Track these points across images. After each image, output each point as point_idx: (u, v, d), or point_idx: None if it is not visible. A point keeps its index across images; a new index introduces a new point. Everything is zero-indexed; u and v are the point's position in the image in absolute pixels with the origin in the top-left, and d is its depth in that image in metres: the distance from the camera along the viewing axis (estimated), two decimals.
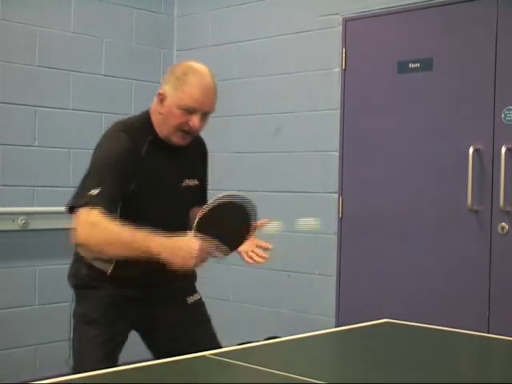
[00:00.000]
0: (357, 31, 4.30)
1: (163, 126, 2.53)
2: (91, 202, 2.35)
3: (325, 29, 4.43)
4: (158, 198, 2.54)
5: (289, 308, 4.57)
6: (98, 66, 4.83)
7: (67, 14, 4.67)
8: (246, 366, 2.02)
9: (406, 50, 4.10)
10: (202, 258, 2.33)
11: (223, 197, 2.41)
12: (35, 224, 4.46)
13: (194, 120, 2.49)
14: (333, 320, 4.33)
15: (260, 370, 1.99)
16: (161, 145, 2.55)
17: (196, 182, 2.68)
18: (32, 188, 4.50)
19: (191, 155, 2.68)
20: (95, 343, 2.54)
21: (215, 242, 2.35)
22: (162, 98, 2.52)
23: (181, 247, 2.31)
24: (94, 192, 2.37)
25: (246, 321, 4.76)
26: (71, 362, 2.62)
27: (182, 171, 2.63)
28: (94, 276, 2.58)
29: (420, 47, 4.05)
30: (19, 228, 4.40)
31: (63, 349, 4.47)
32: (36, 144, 4.53)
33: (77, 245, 2.61)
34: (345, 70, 4.33)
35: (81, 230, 2.37)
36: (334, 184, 4.37)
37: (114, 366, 2.42)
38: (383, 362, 2.15)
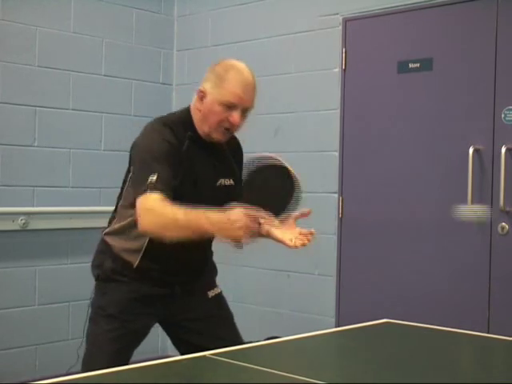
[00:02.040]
0: (357, 31, 4.30)
1: (204, 123, 2.54)
2: (150, 188, 2.34)
3: (325, 29, 4.43)
4: (194, 195, 2.52)
5: (289, 308, 4.57)
6: (98, 66, 4.83)
7: (67, 14, 4.67)
8: (246, 366, 2.02)
9: (406, 50, 4.10)
10: (249, 226, 2.27)
11: (262, 158, 2.40)
12: (35, 224, 4.46)
13: (235, 116, 2.50)
14: (333, 320, 4.33)
15: (260, 370, 1.99)
16: (199, 142, 2.56)
17: (231, 182, 2.67)
18: (32, 188, 4.50)
19: (227, 155, 2.69)
20: (109, 338, 2.56)
21: (260, 209, 2.29)
22: (202, 96, 2.53)
23: (226, 220, 2.27)
24: (152, 179, 2.35)
25: (246, 321, 4.75)
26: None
27: (217, 170, 2.63)
28: (118, 269, 2.60)
29: (420, 47, 4.05)
30: (19, 228, 4.39)
31: (63, 349, 4.49)
32: (36, 144, 4.53)
33: (104, 236, 2.64)
34: (345, 70, 4.33)
35: (141, 216, 2.36)
36: (334, 184, 4.37)
37: (126, 363, 2.44)
38: (383, 361, 2.15)
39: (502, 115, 3.75)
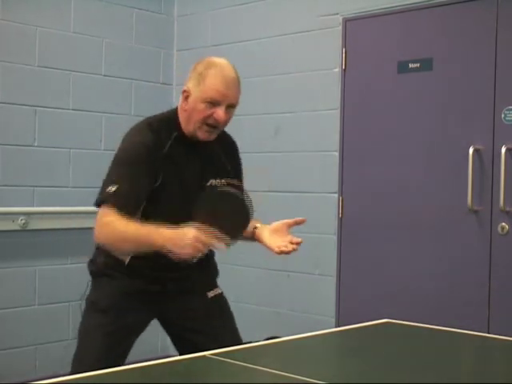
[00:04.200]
0: (357, 31, 4.30)
1: (189, 122, 2.55)
2: (107, 200, 2.41)
3: (325, 29, 4.43)
4: (180, 195, 2.55)
5: (289, 308, 4.57)
6: (98, 66, 4.83)
7: (67, 14, 4.67)
8: (246, 366, 2.02)
9: (406, 50, 4.10)
10: (199, 246, 2.33)
11: (221, 187, 2.46)
12: (35, 224, 4.46)
13: (219, 112, 2.51)
14: (333, 320, 4.33)
15: (260, 369, 1.99)
16: (186, 142, 2.57)
17: (223, 182, 2.67)
18: (32, 188, 4.50)
19: (218, 155, 2.69)
20: (100, 332, 2.56)
21: (213, 230, 2.35)
22: (186, 95, 2.55)
23: (178, 237, 2.33)
24: (111, 189, 2.41)
25: (246, 321, 4.75)
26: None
27: (207, 170, 2.63)
28: (110, 264, 2.61)
29: (420, 47, 4.05)
30: (19, 228, 4.39)
31: (63, 349, 4.49)
32: (36, 144, 4.53)
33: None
34: (345, 69, 4.33)
35: (96, 229, 2.44)
36: (334, 184, 4.37)
37: (116, 358, 2.44)
38: (383, 361, 2.15)
39: (502, 115, 3.75)
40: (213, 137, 2.59)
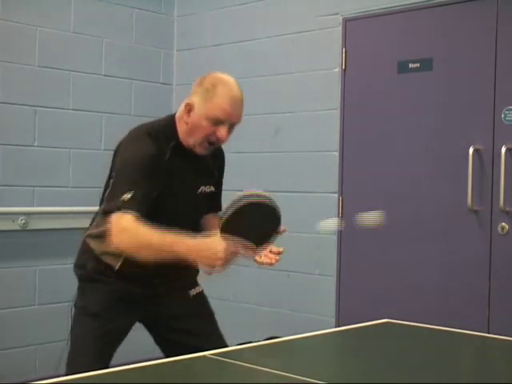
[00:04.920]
0: (357, 31, 4.30)
1: (189, 136, 2.54)
2: (124, 207, 2.38)
3: (325, 29, 4.43)
4: (176, 204, 2.57)
5: (289, 308, 4.57)
6: (98, 66, 4.83)
7: (67, 13, 4.67)
8: (246, 366, 2.02)
9: (406, 50, 4.10)
10: (229, 258, 2.32)
11: (247, 196, 2.40)
12: (35, 224, 4.46)
13: (222, 131, 2.50)
14: (333, 320, 4.33)
15: (260, 370, 1.99)
16: (182, 151, 2.57)
17: (212, 189, 2.70)
18: (32, 188, 4.50)
19: (208, 162, 2.70)
20: (92, 337, 2.57)
21: (241, 241, 2.32)
22: (189, 109, 2.53)
23: (207, 248, 2.31)
24: (127, 196, 2.38)
25: (246, 321, 4.76)
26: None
27: (199, 178, 2.65)
28: (100, 270, 2.61)
29: (420, 47, 4.05)
30: (19, 228, 4.39)
31: (63, 349, 4.48)
32: (36, 144, 4.53)
33: (86, 238, 2.66)
34: (345, 69, 4.33)
35: (115, 235, 2.39)
36: (334, 184, 4.37)
37: (108, 361, 2.45)
38: (383, 361, 2.15)
39: (502, 115, 3.75)
40: (209, 152, 2.60)
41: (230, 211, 2.35)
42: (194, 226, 2.63)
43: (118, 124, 4.85)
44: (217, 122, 2.49)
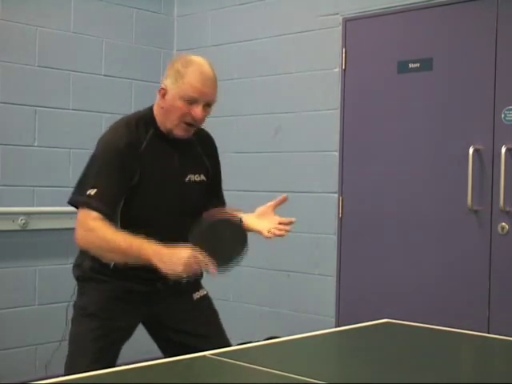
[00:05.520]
0: (357, 31, 4.30)
1: (166, 120, 2.55)
2: (88, 204, 2.42)
3: (325, 29, 4.43)
4: (159, 192, 2.56)
5: (289, 308, 4.57)
6: (98, 66, 4.83)
7: (67, 14, 4.67)
8: (245, 366, 2.02)
9: (406, 50, 4.10)
10: (191, 267, 2.35)
11: (224, 213, 2.46)
12: (35, 224, 4.46)
13: (196, 110, 2.50)
14: (333, 320, 4.33)
15: (260, 370, 1.99)
16: (163, 139, 2.57)
17: (203, 178, 2.68)
18: (32, 188, 4.50)
19: (196, 150, 2.69)
20: (90, 337, 2.56)
21: (207, 255, 2.34)
22: (163, 93, 2.55)
23: (171, 254, 2.35)
24: (91, 192, 2.43)
25: (246, 321, 4.76)
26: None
27: (185, 166, 2.63)
28: (97, 268, 2.60)
29: (420, 47, 4.05)
30: (19, 228, 4.39)
31: (63, 349, 4.48)
32: (36, 144, 4.53)
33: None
34: (345, 69, 4.33)
35: (79, 233, 2.47)
36: (334, 184, 4.37)
37: (109, 362, 2.45)
38: (383, 361, 2.15)
39: (502, 115, 3.75)
40: (189, 134, 2.58)
41: (205, 224, 2.40)
42: (186, 214, 2.59)
43: None
44: (190, 101, 2.50)
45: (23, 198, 4.46)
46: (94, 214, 2.40)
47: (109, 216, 2.42)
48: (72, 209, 4.41)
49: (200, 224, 2.41)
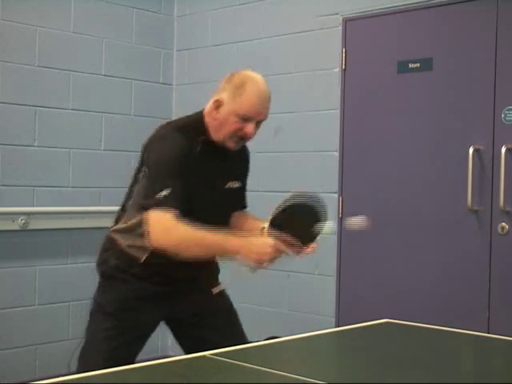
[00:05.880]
0: (357, 31, 4.30)
1: (219, 132, 2.58)
2: (162, 204, 2.42)
3: (325, 29, 4.43)
4: (206, 198, 2.60)
5: (289, 308, 4.57)
6: (98, 66, 4.83)
7: (67, 14, 4.67)
8: (246, 366, 2.02)
9: (406, 50, 4.10)
10: (276, 255, 2.42)
11: (296, 196, 2.55)
12: (35, 224, 4.46)
13: (250, 127, 2.56)
14: (333, 320, 4.33)
15: (260, 370, 1.99)
16: (211, 146, 2.60)
17: (238, 185, 2.73)
18: (32, 188, 4.50)
19: (235, 158, 2.73)
20: (104, 336, 2.57)
21: (288, 239, 2.44)
22: (218, 105, 2.58)
23: (256, 245, 2.41)
24: (165, 193, 2.42)
25: (246, 321, 4.75)
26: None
27: (227, 173, 2.69)
28: (122, 266, 2.61)
29: (420, 47, 4.05)
30: (19, 228, 4.39)
31: (63, 349, 4.49)
32: (36, 144, 4.53)
33: (111, 234, 2.65)
34: (345, 69, 4.33)
35: (156, 234, 2.44)
36: (334, 184, 4.37)
37: (124, 360, 2.44)
38: (383, 361, 2.15)
39: (502, 115, 3.75)
40: (239, 146, 2.64)
41: (281, 209, 2.49)
42: (225, 222, 2.66)
43: (118, 124, 4.86)
44: (245, 119, 2.54)
45: (23, 197, 4.46)
46: (168, 214, 2.40)
47: (180, 213, 2.43)
48: (72, 209, 4.39)
49: (279, 209, 2.49)
